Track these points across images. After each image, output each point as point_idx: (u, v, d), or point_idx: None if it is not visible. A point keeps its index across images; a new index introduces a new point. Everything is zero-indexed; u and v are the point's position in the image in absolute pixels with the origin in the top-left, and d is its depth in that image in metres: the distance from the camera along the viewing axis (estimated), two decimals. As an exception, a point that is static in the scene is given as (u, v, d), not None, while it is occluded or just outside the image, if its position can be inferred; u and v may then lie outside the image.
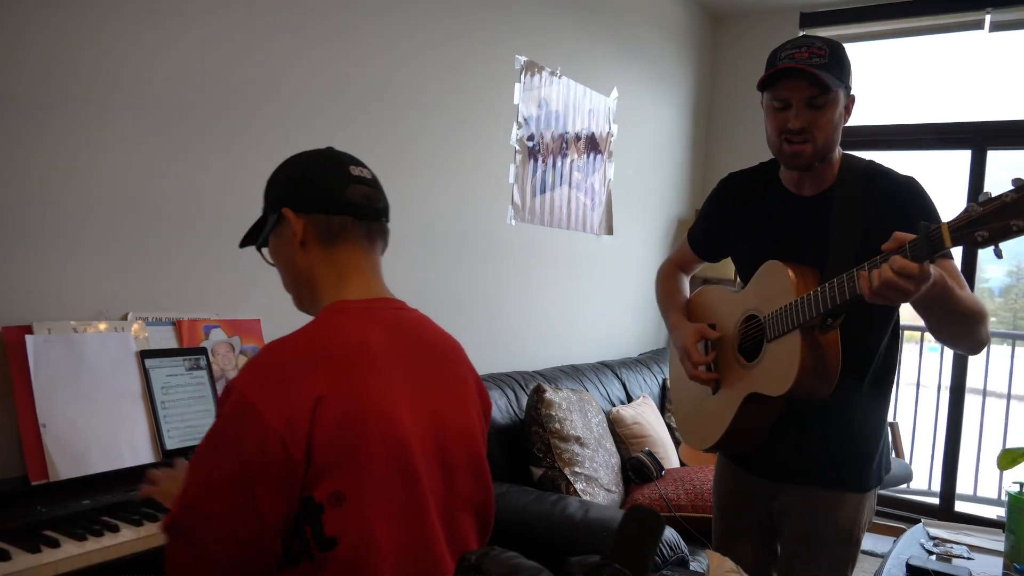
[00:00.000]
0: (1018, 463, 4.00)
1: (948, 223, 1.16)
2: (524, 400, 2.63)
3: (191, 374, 1.79)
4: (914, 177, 1.54)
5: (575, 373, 3.11)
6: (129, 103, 1.73)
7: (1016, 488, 2.73)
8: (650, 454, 2.76)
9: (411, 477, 1.07)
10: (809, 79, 1.45)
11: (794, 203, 1.61)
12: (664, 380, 3.65)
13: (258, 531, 0.99)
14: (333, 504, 1.00)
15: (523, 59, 2.97)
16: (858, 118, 4.13)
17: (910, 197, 1.50)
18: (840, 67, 1.48)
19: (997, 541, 2.84)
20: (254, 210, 2.01)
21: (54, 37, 1.59)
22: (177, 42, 1.81)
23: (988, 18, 3.88)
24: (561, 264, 3.34)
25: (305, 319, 1.16)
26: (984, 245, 1.14)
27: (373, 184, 1.19)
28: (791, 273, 1.50)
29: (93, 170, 1.69)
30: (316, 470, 0.99)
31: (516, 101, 2.95)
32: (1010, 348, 4.65)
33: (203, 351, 1.83)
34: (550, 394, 2.49)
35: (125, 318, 1.75)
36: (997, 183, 4.15)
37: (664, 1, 4.04)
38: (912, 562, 2.48)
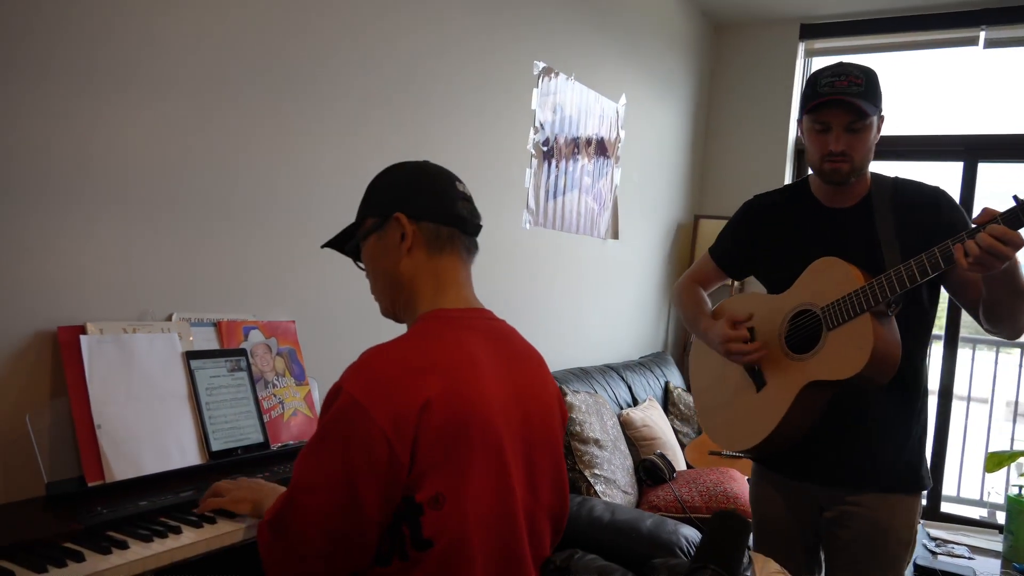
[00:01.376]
0: (1003, 465, 4.13)
1: None
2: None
3: (233, 375, 1.80)
4: (939, 186, 1.69)
5: (584, 376, 3.15)
6: (169, 90, 1.73)
7: (1016, 490, 2.84)
8: (662, 456, 2.81)
9: (505, 482, 1.10)
10: (847, 107, 1.59)
11: (832, 214, 1.73)
12: (667, 383, 3.71)
13: (359, 528, 1.02)
14: (433, 506, 1.03)
15: (541, 64, 3.01)
16: None
17: (941, 205, 1.65)
18: (875, 94, 1.63)
19: (993, 541, 2.95)
20: (291, 210, 2.02)
21: (95, 19, 1.59)
22: (217, 28, 1.82)
23: (983, 35, 4.01)
24: (570, 268, 3.38)
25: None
26: None
27: (472, 201, 1.24)
28: (852, 266, 1.60)
29: (138, 170, 1.69)
30: (419, 471, 1.02)
31: (534, 106, 2.98)
32: (994, 354, 4.79)
33: (243, 352, 1.84)
34: (570, 397, 2.53)
35: (170, 319, 1.75)
36: (987, 196, 4.27)
37: (670, 10, 4.09)
38: (919, 562, 2.57)
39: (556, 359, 3.27)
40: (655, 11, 3.95)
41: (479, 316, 1.20)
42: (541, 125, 3.04)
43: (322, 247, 1.32)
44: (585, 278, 3.51)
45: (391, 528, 1.04)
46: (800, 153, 4.58)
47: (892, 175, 1.74)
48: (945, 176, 4.24)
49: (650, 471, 2.75)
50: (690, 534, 2.10)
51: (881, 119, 1.67)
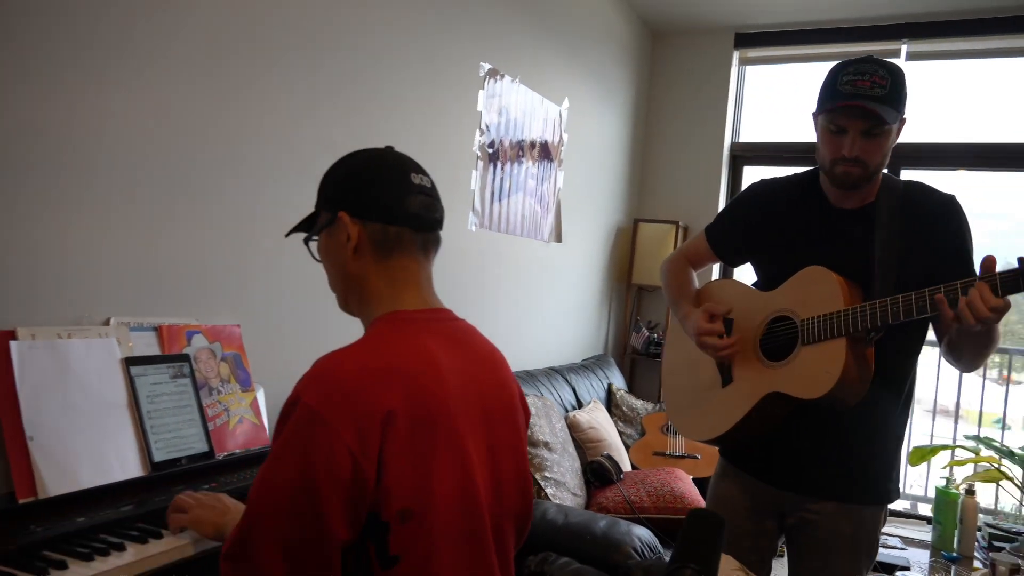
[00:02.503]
0: (926, 459, 4.31)
1: None
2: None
3: (175, 382, 1.71)
4: (954, 195, 1.59)
5: (529, 379, 3.14)
6: (105, 85, 1.64)
7: (943, 483, 2.97)
8: (609, 458, 2.83)
9: (471, 491, 1.05)
10: (866, 112, 1.47)
11: (836, 215, 1.64)
12: (610, 385, 3.74)
13: (322, 550, 0.95)
14: (399, 521, 0.97)
15: (487, 66, 2.99)
16: (789, 134, 4.40)
17: (950, 214, 1.56)
18: (899, 98, 1.50)
19: (921, 532, 3.08)
20: (234, 208, 1.95)
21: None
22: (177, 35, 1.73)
23: (904, 48, 4.19)
24: (515, 270, 3.37)
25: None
26: None
27: (431, 193, 1.16)
28: (841, 283, 1.53)
29: (70, 166, 1.59)
30: (385, 486, 0.96)
31: (479, 108, 2.96)
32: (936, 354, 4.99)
33: (186, 358, 1.76)
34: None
35: (107, 323, 1.66)
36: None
37: (610, 16, 4.14)
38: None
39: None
40: (596, 16, 3.98)
41: (439, 317, 1.15)
42: (487, 127, 3.02)
43: (286, 235, 1.27)
44: (529, 280, 3.51)
45: (356, 546, 0.98)
46: (736, 158, 4.70)
47: (906, 179, 1.65)
48: (871, 182, 4.41)
49: (598, 473, 2.76)
50: (642, 534, 2.10)
51: (902, 122, 1.54)
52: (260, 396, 1.92)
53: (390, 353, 1.03)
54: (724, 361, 1.74)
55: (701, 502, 2.62)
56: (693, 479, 2.90)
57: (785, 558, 1.79)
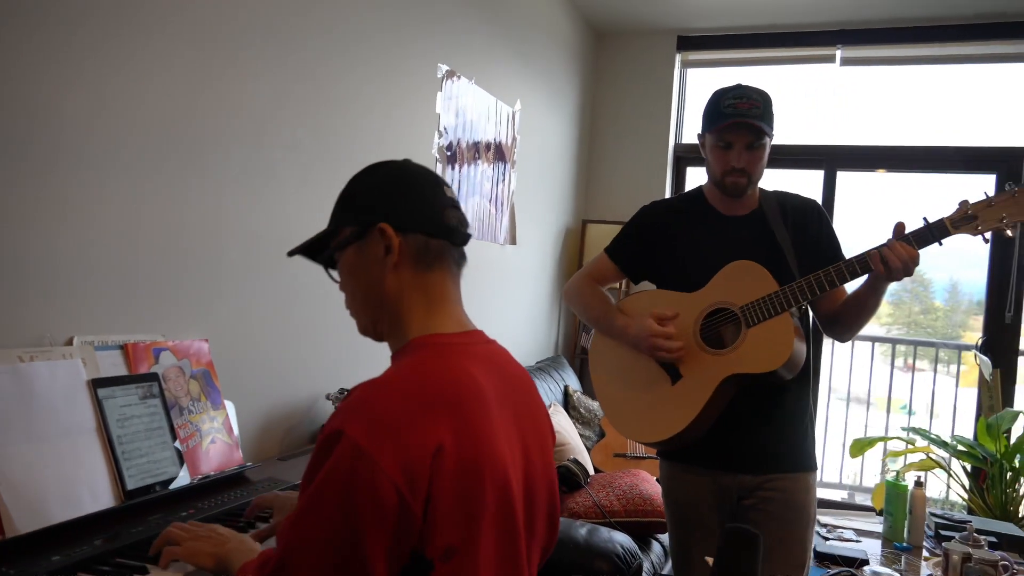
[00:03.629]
0: (864, 451, 4.48)
1: (948, 216, 1.62)
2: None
3: (145, 403, 1.61)
4: (814, 199, 1.96)
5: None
6: (72, 89, 1.52)
7: (893, 475, 3.08)
8: (576, 462, 2.82)
9: (512, 525, 1.01)
10: (749, 129, 1.79)
11: (728, 221, 1.90)
12: (566, 387, 3.74)
13: None
14: (443, 560, 0.92)
15: (445, 67, 2.93)
16: None
17: (819, 213, 1.92)
18: (771, 116, 1.83)
19: (873, 524, 3.19)
20: (198, 219, 1.85)
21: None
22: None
23: (839, 54, 4.35)
24: (474, 274, 3.31)
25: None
26: (980, 233, 1.58)
27: (460, 207, 1.12)
28: (765, 269, 1.77)
29: (25, 175, 1.47)
30: (431, 524, 0.90)
31: (438, 110, 2.90)
32: (849, 346, 5.21)
33: (155, 377, 1.65)
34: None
35: (70, 343, 1.54)
36: (845, 200, 4.61)
37: (556, 15, 4.14)
38: (818, 548, 2.71)
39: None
40: (543, 16, 3.97)
41: (474, 341, 1.09)
42: (445, 129, 2.97)
43: (289, 254, 1.17)
44: (486, 284, 3.47)
45: None
46: (680, 159, 4.77)
47: (771, 188, 1.95)
48: (809, 182, 4.56)
49: (566, 478, 2.75)
50: (623, 540, 2.11)
51: (771, 138, 1.86)
52: (231, 413, 1.83)
53: (436, 382, 0.97)
54: (666, 359, 1.84)
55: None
56: (657, 479, 2.93)
57: None
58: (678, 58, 4.67)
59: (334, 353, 2.40)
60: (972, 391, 4.51)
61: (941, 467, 4.01)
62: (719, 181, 1.87)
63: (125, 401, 1.56)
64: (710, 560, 1.58)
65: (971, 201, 1.61)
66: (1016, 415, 3.98)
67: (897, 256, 1.61)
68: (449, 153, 3.01)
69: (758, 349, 1.74)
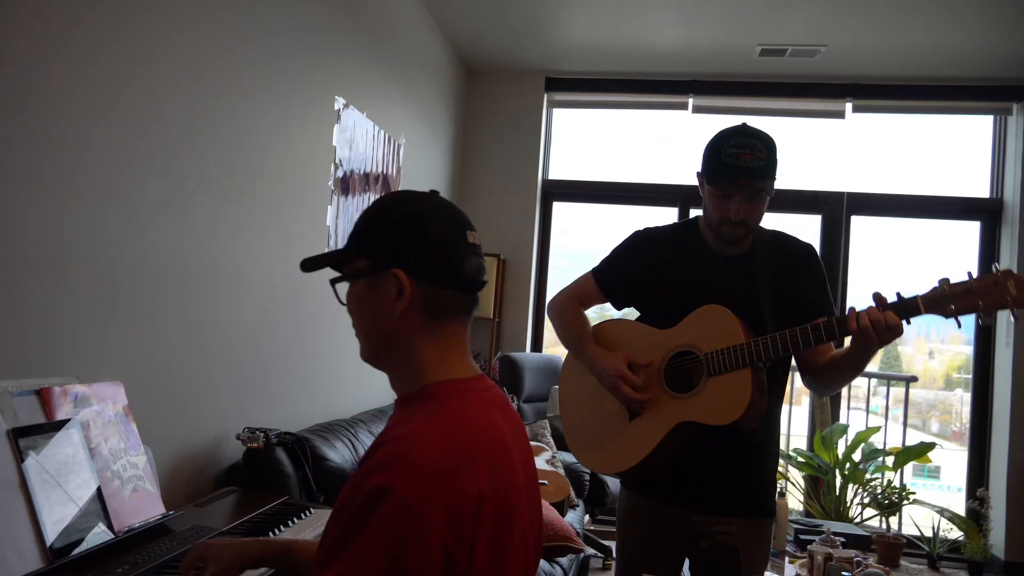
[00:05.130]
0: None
1: (922, 295, 1.53)
2: (363, 447, 2.57)
3: (65, 452, 1.49)
4: (811, 244, 1.86)
5: (382, 417, 3.09)
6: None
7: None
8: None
9: (530, 564, 1.04)
10: (750, 188, 1.68)
11: (719, 261, 1.82)
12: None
13: None
14: None
15: (342, 100, 2.93)
16: (594, 174, 4.86)
17: (812, 259, 1.83)
18: (774, 165, 1.71)
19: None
20: (109, 252, 1.77)
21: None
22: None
23: (691, 102, 4.76)
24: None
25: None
26: (952, 316, 1.50)
27: (481, 253, 1.08)
28: (738, 319, 1.71)
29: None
30: (471, 571, 0.90)
31: (334, 142, 2.89)
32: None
33: (75, 424, 1.53)
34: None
35: (-16, 389, 1.40)
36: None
37: (435, 52, 4.23)
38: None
39: (363, 401, 3.18)
40: (424, 52, 4.05)
41: (484, 386, 1.08)
42: (340, 161, 2.95)
43: (303, 267, 1.10)
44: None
45: None
46: (547, 195, 4.99)
47: (771, 228, 1.86)
48: (664, 219, 4.93)
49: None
50: (543, 566, 2.18)
51: (771, 191, 1.74)
52: (150, 459, 1.72)
53: (468, 429, 0.96)
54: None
55: (568, 527, 2.74)
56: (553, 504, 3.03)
57: None
58: (546, 98, 4.90)
59: (242, 391, 2.31)
60: (802, 408, 5.01)
61: (784, 477, 4.44)
62: (716, 229, 1.77)
63: (47, 451, 1.44)
64: None
65: (951, 282, 1.52)
66: (844, 428, 4.49)
67: (873, 324, 1.53)
68: (343, 185, 3.00)
69: (714, 400, 1.69)
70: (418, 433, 0.92)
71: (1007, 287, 1.49)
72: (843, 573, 2.45)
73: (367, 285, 1.04)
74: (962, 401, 7.32)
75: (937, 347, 6.63)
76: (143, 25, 1.80)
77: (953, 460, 5.20)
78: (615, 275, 1.95)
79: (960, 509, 4.51)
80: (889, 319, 1.52)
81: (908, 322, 1.54)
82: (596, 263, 2.00)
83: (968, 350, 7.15)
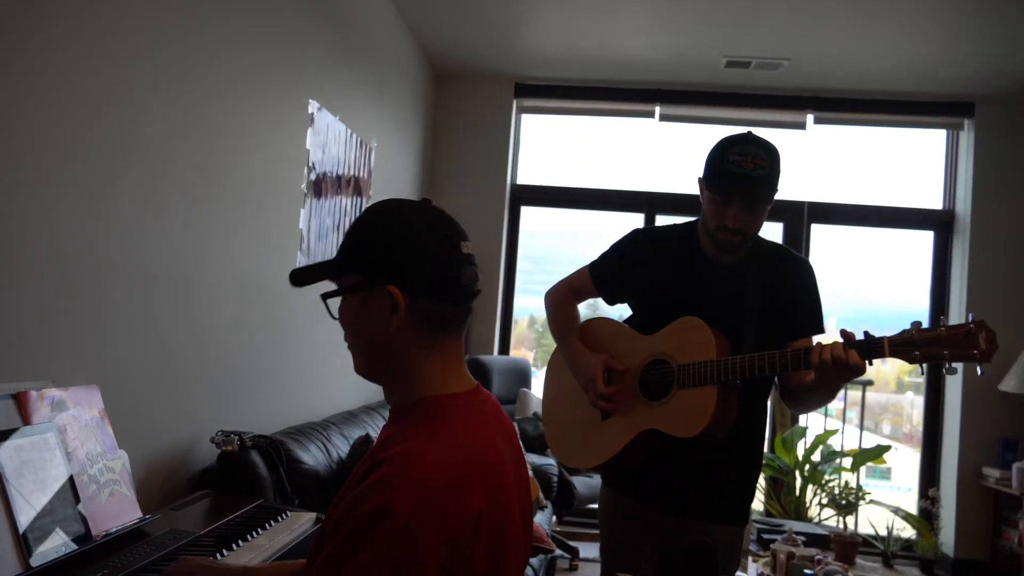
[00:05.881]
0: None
1: (889, 338, 1.51)
2: (336, 450, 2.58)
3: (43, 457, 1.48)
4: (807, 260, 1.86)
5: (353, 419, 3.09)
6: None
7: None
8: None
9: (521, 570, 1.04)
10: (751, 194, 1.68)
11: (712, 270, 1.81)
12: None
13: None
14: None
15: (316, 104, 2.93)
16: (562, 179, 4.92)
17: (807, 274, 1.83)
18: (777, 176, 1.70)
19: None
20: (80, 255, 1.77)
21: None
22: None
23: (658, 110, 4.85)
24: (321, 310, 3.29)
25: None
26: (916, 362, 1.47)
27: (475, 261, 1.07)
28: (712, 335, 1.71)
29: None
30: None
31: (308, 145, 2.89)
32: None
33: (52, 428, 1.52)
34: (377, 444, 2.50)
35: (-39, 393, 1.39)
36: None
37: (406, 55, 4.24)
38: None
39: (334, 403, 3.18)
40: (396, 56, 4.06)
41: (481, 399, 1.08)
42: (314, 164, 2.96)
43: (292, 281, 1.08)
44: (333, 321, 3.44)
45: None
46: (516, 199, 5.03)
47: (771, 240, 1.87)
48: (631, 224, 5.00)
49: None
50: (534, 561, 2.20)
51: (772, 201, 1.73)
52: (126, 463, 1.71)
53: (466, 447, 0.96)
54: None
55: (540, 528, 2.78)
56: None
57: None
58: (515, 103, 4.95)
59: (213, 394, 2.30)
60: (765, 410, 5.11)
61: (746, 479, 4.53)
62: (711, 234, 1.76)
63: (24, 456, 1.43)
64: None
65: (921, 327, 1.49)
66: (804, 430, 4.62)
67: (837, 364, 1.52)
68: (316, 188, 3.00)
69: (679, 412, 1.70)
70: (419, 453, 0.92)
71: (977, 340, 1.44)
72: (805, 571, 2.53)
73: (360, 300, 1.03)
74: (912, 404, 7.56)
75: (890, 352, 6.78)
76: (122, 30, 1.79)
77: (904, 461, 5.37)
78: (610, 272, 1.95)
79: (912, 509, 4.67)
80: (851, 358, 1.51)
81: (870, 363, 1.52)
82: (594, 257, 2.00)
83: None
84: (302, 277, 1.07)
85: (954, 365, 1.46)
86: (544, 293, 2.06)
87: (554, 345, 2.03)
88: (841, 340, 1.55)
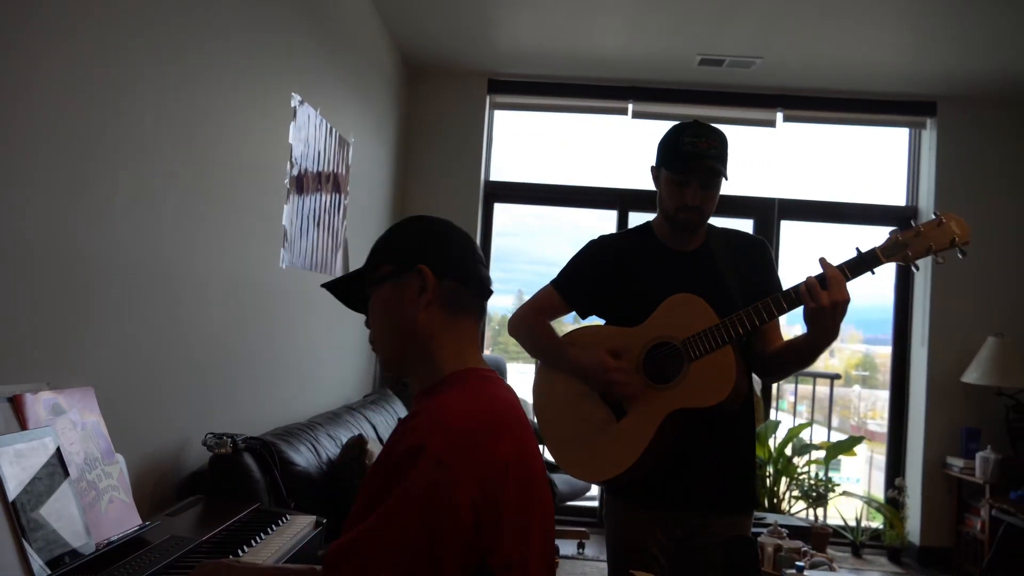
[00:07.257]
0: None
1: (879, 246, 1.62)
2: (325, 451, 2.52)
3: (44, 464, 1.40)
4: (761, 237, 1.98)
5: (336, 419, 3.03)
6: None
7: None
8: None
9: (550, 546, 1.11)
10: (707, 169, 1.77)
11: (678, 257, 1.88)
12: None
13: None
14: (504, 572, 0.98)
15: (298, 98, 2.86)
16: (535, 176, 4.90)
17: (765, 250, 1.94)
18: (726, 157, 1.82)
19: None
20: (77, 254, 1.71)
21: None
22: None
23: (631, 107, 4.87)
24: (315, 308, 3.23)
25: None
26: (909, 262, 1.60)
27: (487, 268, 1.23)
28: (706, 303, 1.75)
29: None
30: (498, 537, 0.97)
31: (291, 140, 2.82)
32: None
33: (51, 432, 1.44)
34: (371, 445, 2.45)
35: (-43, 397, 1.31)
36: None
37: (381, 50, 4.18)
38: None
39: (318, 404, 3.11)
40: (372, 50, 4.00)
41: (496, 377, 1.18)
42: (296, 159, 2.88)
43: (324, 286, 1.22)
44: (321, 319, 3.38)
45: None
46: (489, 196, 5.00)
47: (719, 225, 1.95)
48: (604, 220, 5.02)
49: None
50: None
51: (727, 178, 1.83)
52: (123, 468, 1.64)
53: (492, 401, 1.07)
54: (616, 395, 1.81)
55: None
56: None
57: None
58: (488, 99, 4.91)
59: (202, 396, 2.23)
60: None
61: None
62: (671, 216, 1.83)
63: (25, 463, 1.36)
64: None
65: (900, 231, 1.62)
66: (777, 424, 4.69)
67: (832, 292, 1.59)
68: (298, 184, 2.93)
69: (702, 382, 1.71)
70: (448, 403, 1.03)
71: (951, 228, 1.61)
72: (796, 563, 2.56)
73: (392, 287, 1.14)
74: (859, 396, 7.77)
75: (837, 345, 7.00)
76: (108, 20, 1.71)
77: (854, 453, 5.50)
78: (578, 284, 1.96)
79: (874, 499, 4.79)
80: (837, 275, 1.60)
81: (873, 272, 1.64)
82: (555, 275, 1.99)
83: (864, 348, 7.58)
84: (339, 285, 1.24)
85: (939, 258, 1.65)
86: (507, 322, 2.03)
87: (512, 341, 2.00)
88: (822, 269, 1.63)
